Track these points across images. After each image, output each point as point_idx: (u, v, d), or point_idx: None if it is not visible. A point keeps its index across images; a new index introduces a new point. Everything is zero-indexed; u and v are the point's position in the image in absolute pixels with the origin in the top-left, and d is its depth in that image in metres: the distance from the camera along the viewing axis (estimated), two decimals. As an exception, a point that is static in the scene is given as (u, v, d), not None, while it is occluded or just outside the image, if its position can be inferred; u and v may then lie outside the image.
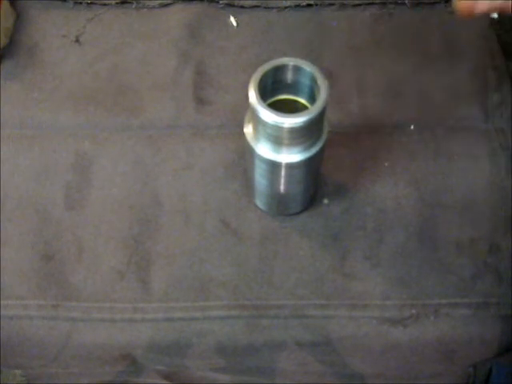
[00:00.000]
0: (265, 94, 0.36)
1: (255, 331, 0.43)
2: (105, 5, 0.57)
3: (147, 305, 0.44)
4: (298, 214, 0.47)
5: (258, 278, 0.44)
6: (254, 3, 0.56)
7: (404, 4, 0.56)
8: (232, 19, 0.56)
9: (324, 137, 0.39)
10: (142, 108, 0.52)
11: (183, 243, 0.46)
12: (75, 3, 0.57)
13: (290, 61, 0.37)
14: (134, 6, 0.57)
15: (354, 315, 0.43)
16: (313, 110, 0.35)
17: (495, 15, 0.57)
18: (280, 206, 0.46)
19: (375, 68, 0.53)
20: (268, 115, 0.35)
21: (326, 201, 0.47)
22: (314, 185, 0.46)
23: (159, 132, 0.50)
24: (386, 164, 0.49)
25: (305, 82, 0.38)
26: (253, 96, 0.35)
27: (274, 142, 0.37)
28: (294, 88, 0.39)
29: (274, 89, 0.39)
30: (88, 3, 0.57)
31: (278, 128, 0.36)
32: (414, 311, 0.43)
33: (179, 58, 0.54)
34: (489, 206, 0.47)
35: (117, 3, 0.57)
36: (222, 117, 0.51)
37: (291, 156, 0.38)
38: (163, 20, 0.56)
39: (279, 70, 0.37)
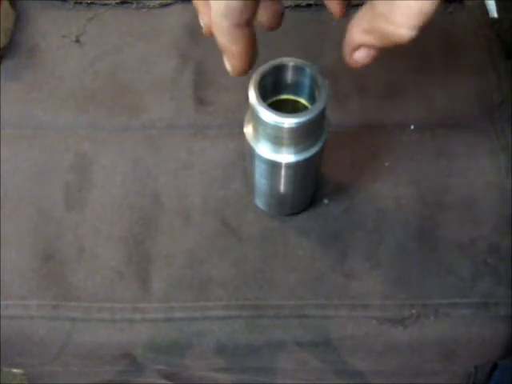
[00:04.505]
0: (265, 93, 0.36)
1: (255, 331, 0.43)
2: (105, 5, 0.57)
3: (147, 305, 0.44)
4: (297, 213, 0.47)
5: (258, 278, 0.44)
6: (254, 3, 0.56)
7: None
8: (232, 19, 0.56)
9: (324, 137, 0.39)
10: (142, 108, 0.52)
11: (183, 243, 0.46)
12: (75, 3, 0.57)
13: (289, 61, 0.37)
14: (134, 6, 0.57)
15: (354, 315, 0.43)
16: (313, 110, 0.35)
17: (495, 15, 0.57)
18: (280, 205, 0.46)
19: (375, 68, 0.53)
20: (268, 115, 0.35)
21: (326, 201, 0.47)
22: (314, 185, 0.46)
23: (159, 132, 0.50)
24: (386, 164, 0.49)
25: (305, 81, 0.38)
26: (253, 96, 0.35)
27: (273, 142, 0.37)
28: (294, 88, 0.39)
29: (274, 89, 0.39)
30: (88, 3, 0.57)
31: (278, 128, 0.36)
32: (414, 311, 0.43)
33: (179, 58, 0.54)
34: (489, 206, 0.47)
35: (117, 3, 0.57)
36: (222, 117, 0.51)
37: (291, 156, 0.38)
38: (163, 20, 0.56)
39: (279, 69, 0.37)
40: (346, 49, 0.32)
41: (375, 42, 0.30)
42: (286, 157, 0.38)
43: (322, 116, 0.36)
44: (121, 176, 0.48)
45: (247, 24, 0.32)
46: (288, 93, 0.40)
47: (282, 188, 0.42)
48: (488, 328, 0.43)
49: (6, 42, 0.54)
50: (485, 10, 0.56)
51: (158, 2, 0.57)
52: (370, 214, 0.47)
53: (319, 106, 0.35)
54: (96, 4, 0.57)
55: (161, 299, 0.44)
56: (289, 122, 0.35)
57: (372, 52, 0.32)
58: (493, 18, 0.56)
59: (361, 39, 0.31)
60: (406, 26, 0.28)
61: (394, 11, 0.28)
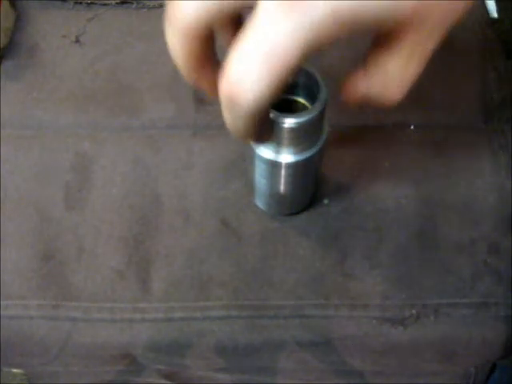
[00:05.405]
0: (265, 94, 0.36)
1: (255, 331, 0.43)
2: (105, 5, 0.57)
3: (147, 305, 0.44)
4: (297, 213, 0.47)
5: (258, 278, 0.44)
6: (254, 3, 0.56)
7: (404, 4, 0.56)
8: (232, 19, 0.56)
9: (324, 137, 0.39)
10: (142, 108, 0.52)
11: (183, 243, 0.46)
12: (75, 3, 0.57)
13: None
14: (134, 6, 0.57)
15: (354, 315, 0.43)
16: (313, 110, 0.35)
17: (495, 15, 0.57)
18: (280, 205, 0.46)
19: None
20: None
21: (326, 201, 0.47)
22: (314, 185, 0.46)
23: (159, 132, 0.50)
24: (386, 164, 0.49)
25: (305, 81, 0.38)
26: (253, 96, 0.35)
27: (273, 142, 0.37)
28: (293, 88, 0.39)
29: (274, 89, 0.39)
30: (88, 3, 0.57)
31: (278, 128, 0.36)
32: (414, 311, 0.43)
33: (179, 58, 0.54)
34: (489, 206, 0.47)
35: (117, 3, 0.57)
36: (222, 117, 0.51)
37: (291, 156, 0.38)
38: (163, 20, 0.56)
39: (279, 70, 0.37)
40: (343, 97, 0.35)
41: (369, 101, 0.34)
42: (286, 157, 0.38)
43: (321, 116, 0.36)
44: (121, 176, 0.48)
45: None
46: (288, 93, 0.40)
47: (281, 188, 0.42)
48: (488, 328, 0.43)
49: (6, 42, 0.54)
50: (485, 10, 0.56)
51: (158, 1, 0.57)
52: (370, 214, 0.47)
53: (319, 106, 0.35)
54: (96, 4, 0.57)
55: (161, 299, 0.44)
56: (289, 122, 0.35)
57: None
58: (493, 18, 0.56)
59: (357, 99, 0.35)
60: (398, 95, 0.34)
61: (389, 90, 0.33)
